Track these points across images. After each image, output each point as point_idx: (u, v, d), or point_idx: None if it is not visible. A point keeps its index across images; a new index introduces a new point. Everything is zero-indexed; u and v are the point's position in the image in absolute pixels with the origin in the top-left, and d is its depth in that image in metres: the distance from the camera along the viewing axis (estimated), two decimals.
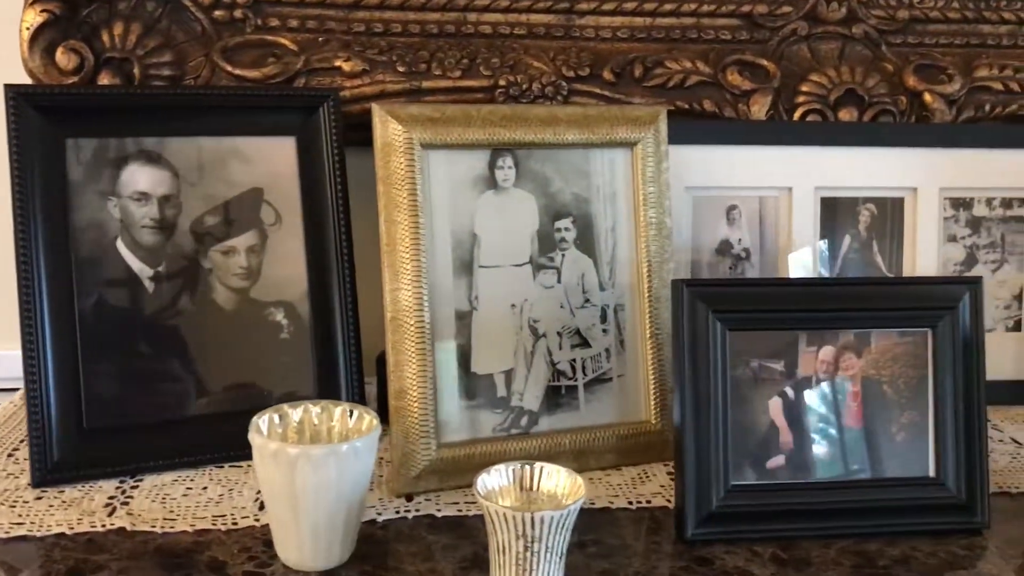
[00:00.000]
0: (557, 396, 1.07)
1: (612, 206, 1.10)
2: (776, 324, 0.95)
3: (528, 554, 0.80)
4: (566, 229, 1.08)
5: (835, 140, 1.28)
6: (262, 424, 0.88)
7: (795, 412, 0.96)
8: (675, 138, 1.24)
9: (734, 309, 0.94)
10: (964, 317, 0.97)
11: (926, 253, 1.30)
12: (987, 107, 1.33)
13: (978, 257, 1.31)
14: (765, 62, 1.31)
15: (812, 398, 0.96)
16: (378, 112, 1.00)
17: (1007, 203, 1.32)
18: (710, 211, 1.27)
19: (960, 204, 1.31)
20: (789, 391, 0.96)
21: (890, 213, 1.30)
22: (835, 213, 1.29)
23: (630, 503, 1.01)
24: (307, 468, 0.82)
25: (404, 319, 1.00)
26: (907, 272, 1.30)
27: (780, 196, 1.28)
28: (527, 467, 0.86)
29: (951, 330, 0.97)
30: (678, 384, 0.93)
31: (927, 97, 1.32)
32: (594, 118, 1.08)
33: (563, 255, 1.08)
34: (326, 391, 1.11)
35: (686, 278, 1.02)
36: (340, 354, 1.11)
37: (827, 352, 0.97)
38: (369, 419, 0.89)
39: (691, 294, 0.93)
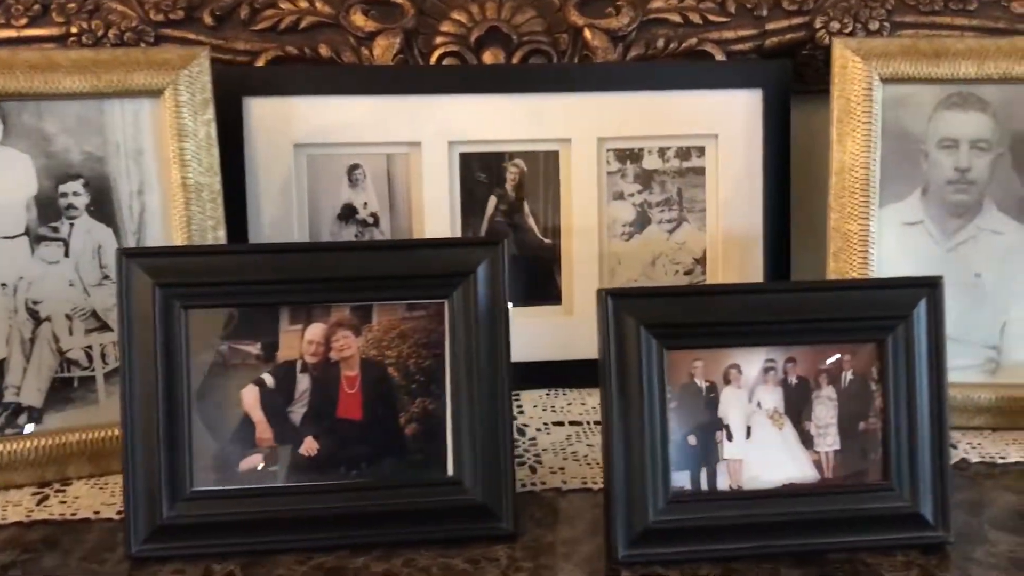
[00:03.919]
0: (68, 389, 0.92)
1: (138, 166, 0.94)
2: (244, 299, 0.79)
3: None
4: (75, 194, 0.92)
5: (473, 87, 1.12)
6: None
7: (276, 403, 0.80)
8: (281, 88, 1.10)
9: (184, 283, 0.79)
10: (480, 284, 0.81)
11: (586, 213, 1.13)
12: (661, 43, 1.16)
13: (651, 216, 1.15)
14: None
15: (298, 385, 0.81)
16: None
17: (683, 153, 1.15)
18: (328, 172, 1.11)
19: (627, 156, 1.14)
20: (268, 378, 0.80)
21: (543, 169, 1.14)
22: (477, 170, 1.13)
23: (119, 513, 0.86)
24: None
25: None
26: (566, 235, 1.14)
27: (410, 152, 1.12)
28: None
29: (468, 300, 0.81)
30: (120, 375, 0.78)
31: (587, 34, 1.15)
32: (105, 63, 0.92)
33: (72, 224, 0.92)
34: None
35: (128, 247, 0.86)
36: None
37: (316, 331, 0.81)
38: None
39: (129, 265, 0.78)
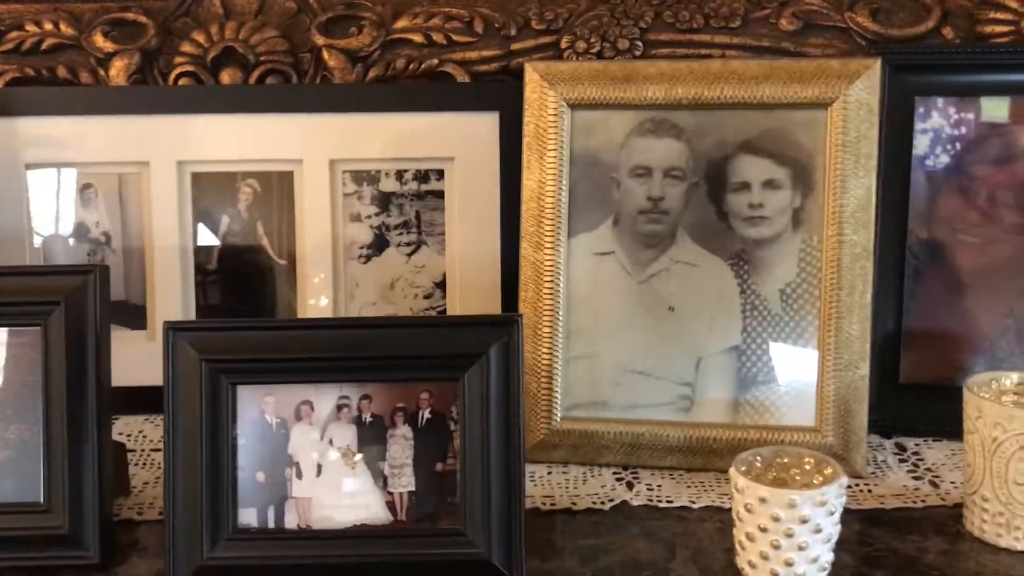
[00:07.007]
0: None
1: None
2: None
3: None
4: None
5: (206, 107, 1.11)
6: None
7: None
8: (12, 109, 1.11)
9: None
10: (75, 311, 0.80)
11: (320, 235, 1.12)
12: (402, 63, 1.14)
13: (389, 239, 1.13)
14: (145, 20, 1.15)
15: None
16: None
17: (422, 176, 1.13)
18: (62, 191, 1.12)
19: (364, 178, 1.13)
20: None
21: (277, 189, 1.13)
22: (210, 190, 1.12)
23: None
24: None
25: None
26: (300, 256, 1.13)
27: (141, 172, 1.12)
28: None
29: (62, 326, 0.81)
30: None
31: (324, 54, 1.14)
32: None
33: None
34: None
35: None
36: None
37: None
38: None
39: None
